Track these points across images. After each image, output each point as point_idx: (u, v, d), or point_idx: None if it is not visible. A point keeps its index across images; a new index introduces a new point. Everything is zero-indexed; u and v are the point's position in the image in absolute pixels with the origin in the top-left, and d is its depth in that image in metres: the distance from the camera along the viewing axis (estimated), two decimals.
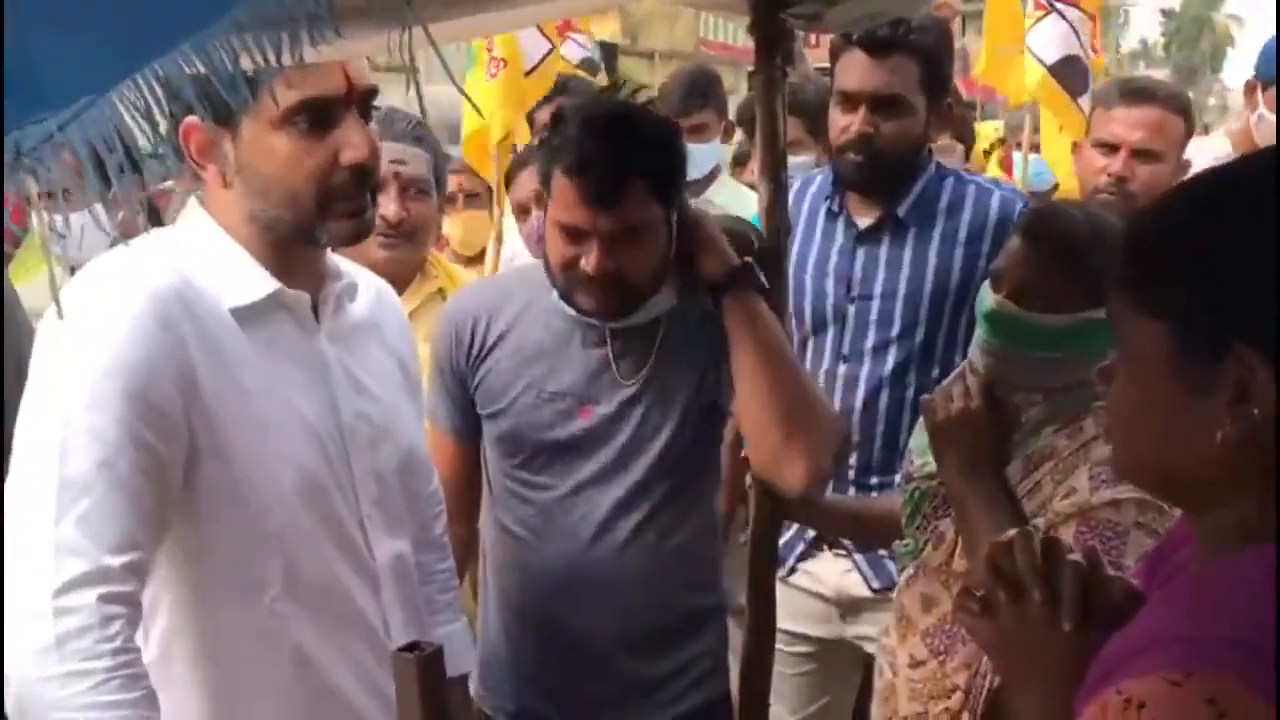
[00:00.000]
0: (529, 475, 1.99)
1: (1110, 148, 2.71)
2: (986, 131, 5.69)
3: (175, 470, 1.42)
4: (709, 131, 3.83)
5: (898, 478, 2.40)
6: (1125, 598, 1.10)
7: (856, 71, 2.41)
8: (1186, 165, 2.71)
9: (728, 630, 2.13)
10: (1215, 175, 1.06)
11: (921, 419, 1.94)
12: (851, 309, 2.50)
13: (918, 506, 1.95)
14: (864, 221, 2.52)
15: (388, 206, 2.28)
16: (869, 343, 2.48)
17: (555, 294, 1.97)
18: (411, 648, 1.33)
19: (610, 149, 1.82)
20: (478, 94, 3.58)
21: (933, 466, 1.89)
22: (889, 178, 2.47)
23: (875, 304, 2.47)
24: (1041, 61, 4.05)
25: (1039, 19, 4.09)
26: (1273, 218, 0.93)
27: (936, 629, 1.84)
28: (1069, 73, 4.03)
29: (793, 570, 2.56)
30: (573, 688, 2.01)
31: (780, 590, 2.55)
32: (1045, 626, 1.09)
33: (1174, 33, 63.31)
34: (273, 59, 0.87)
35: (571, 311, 1.97)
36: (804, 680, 2.59)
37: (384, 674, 1.61)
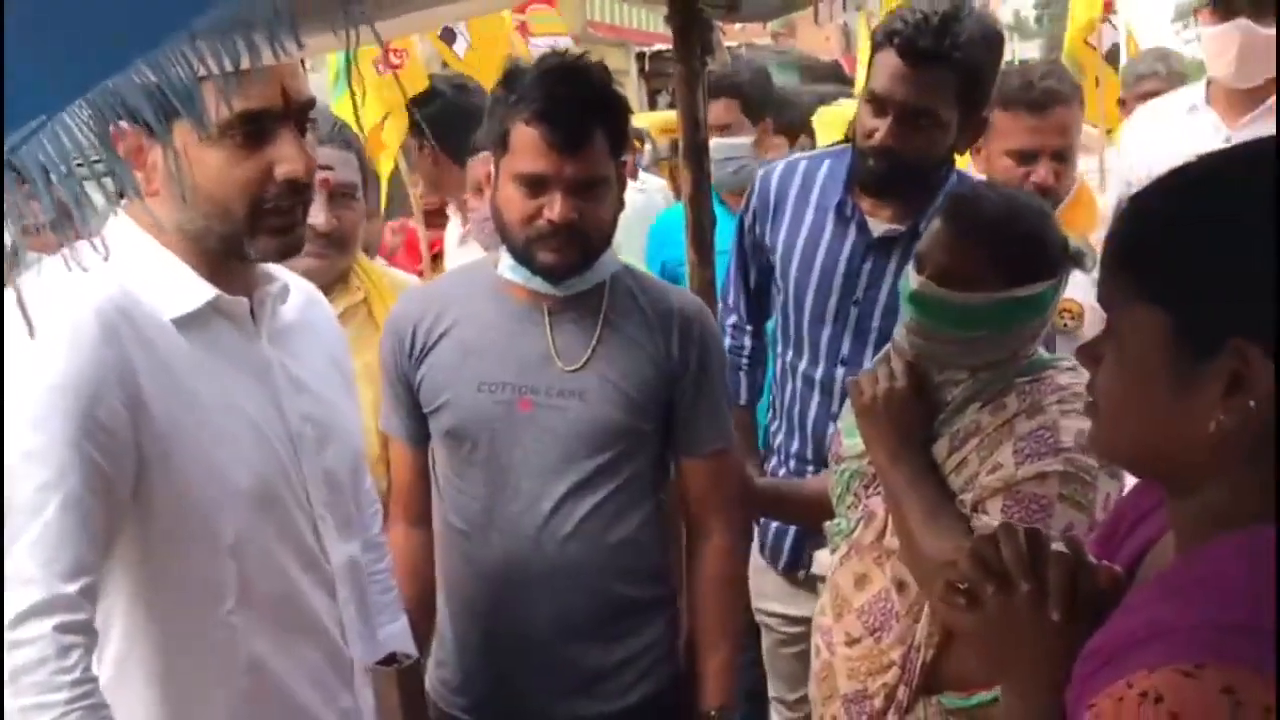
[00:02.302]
0: (472, 470, 1.99)
1: (1028, 156, 2.70)
2: None
3: (122, 488, 1.39)
4: None
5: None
6: (1109, 584, 1.11)
7: (889, 76, 2.27)
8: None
9: (679, 617, 2.14)
10: (1223, 161, 1.04)
11: (849, 399, 1.99)
12: (854, 312, 2.43)
13: (848, 486, 1.99)
14: (878, 228, 2.42)
15: (317, 216, 2.20)
16: (869, 349, 2.42)
17: (504, 268, 1.97)
18: (389, 661, 1.32)
19: (573, 97, 1.85)
20: (369, 86, 3.53)
21: (862, 446, 1.92)
22: (907, 187, 2.38)
23: (878, 311, 2.40)
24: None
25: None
26: (1276, 213, 0.93)
27: (870, 606, 1.88)
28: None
29: (793, 565, 2.57)
30: (523, 680, 2.01)
31: (771, 575, 2.58)
32: (1033, 616, 1.10)
33: (1045, 6, 64.94)
34: (229, 66, 0.85)
35: (512, 298, 1.98)
36: (799, 658, 2.57)
37: (338, 679, 1.61)
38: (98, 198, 0.86)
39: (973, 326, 1.77)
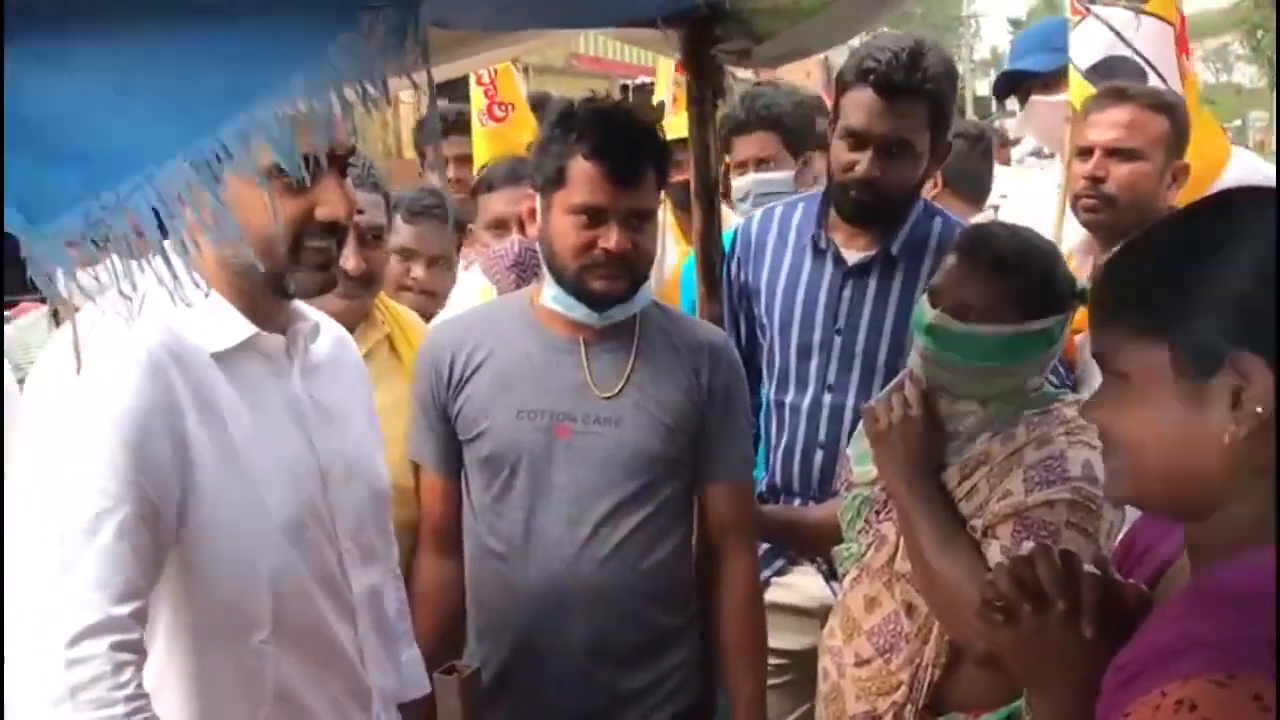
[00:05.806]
0: (511, 495, 2.04)
1: (1088, 153, 2.70)
2: None
3: (168, 519, 1.44)
4: None
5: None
6: (1136, 602, 1.18)
7: (867, 113, 2.39)
8: (1182, 169, 2.67)
9: (699, 640, 2.18)
10: (1198, 206, 1.14)
11: (861, 426, 2.05)
12: (838, 340, 2.53)
13: (859, 511, 2.05)
14: (853, 257, 2.54)
15: (348, 258, 2.25)
16: (854, 374, 2.51)
17: (547, 298, 2.05)
18: (449, 670, 1.37)
19: (629, 136, 1.98)
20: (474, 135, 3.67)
21: (874, 472, 1.99)
22: (887, 216, 2.50)
23: (861, 336, 2.50)
24: (1078, 68, 3.71)
25: (1078, 23, 3.67)
26: (1257, 233, 1.01)
27: (880, 628, 1.94)
28: (1112, 72, 3.56)
29: (766, 584, 2.59)
30: (553, 700, 2.06)
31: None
32: (1066, 633, 1.18)
33: None
34: (320, 114, 0.92)
35: (548, 330, 2.06)
36: (784, 691, 2.61)
37: (356, 706, 1.68)
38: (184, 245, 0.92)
39: (986, 358, 1.85)
